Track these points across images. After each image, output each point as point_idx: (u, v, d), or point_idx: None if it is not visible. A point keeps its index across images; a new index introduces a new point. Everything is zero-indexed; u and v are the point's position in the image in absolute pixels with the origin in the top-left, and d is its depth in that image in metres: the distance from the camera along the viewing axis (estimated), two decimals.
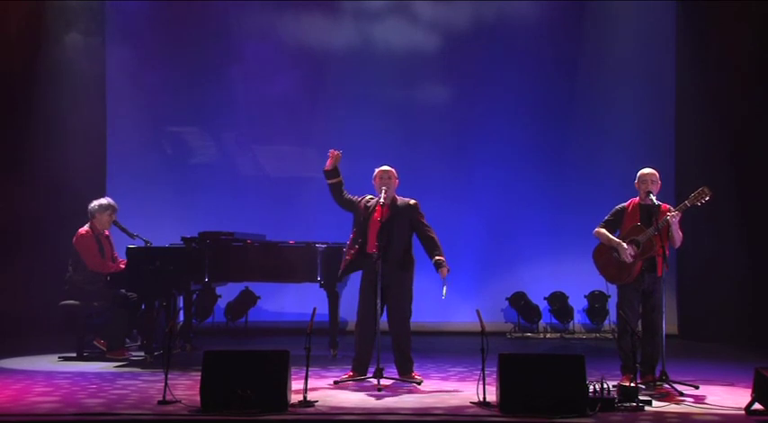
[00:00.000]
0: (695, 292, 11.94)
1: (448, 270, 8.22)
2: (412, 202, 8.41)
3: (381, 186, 8.31)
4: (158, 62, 12.48)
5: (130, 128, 12.50)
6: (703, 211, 8.04)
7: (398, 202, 8.36)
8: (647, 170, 8.23)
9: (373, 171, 8.45)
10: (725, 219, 11.06)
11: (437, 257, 8.25)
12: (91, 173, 12.04)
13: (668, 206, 8.18)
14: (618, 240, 8.12)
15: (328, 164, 8.35)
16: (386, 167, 8.42)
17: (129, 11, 12.42)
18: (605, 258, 8.25)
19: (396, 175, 8.41)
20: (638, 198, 8.24)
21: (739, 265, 11.29)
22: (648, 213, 8.09)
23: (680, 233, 8.03)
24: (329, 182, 8.40)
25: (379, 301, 8.04)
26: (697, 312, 11.94)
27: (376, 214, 8.20)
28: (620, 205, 8.30)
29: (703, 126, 11.80)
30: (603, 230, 8.25)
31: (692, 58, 12.09)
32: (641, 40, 12.50)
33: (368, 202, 8.35)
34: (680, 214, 7.96)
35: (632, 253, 8.02)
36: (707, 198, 7.94)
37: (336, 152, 8.33)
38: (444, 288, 8.14)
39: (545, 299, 12.30)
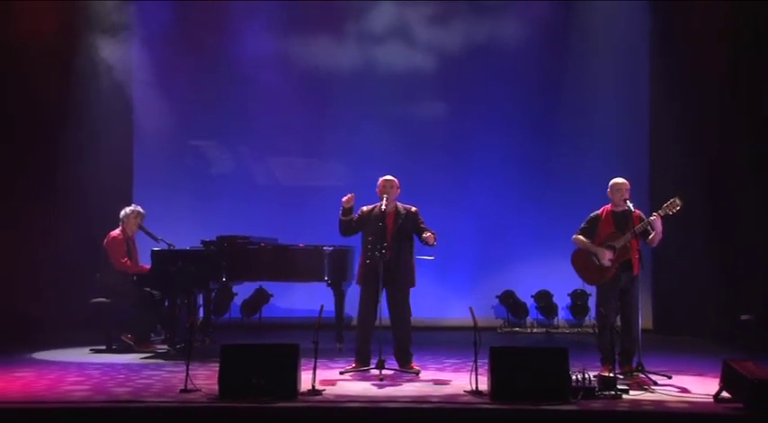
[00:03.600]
0: (669, 290, 11.92)
1: (434, 240, 8.15)
2: (413, 209, 8.44)
3: (383, 194, 8.33)
4: (179, 83, 12.45)
5: (155, 141, 12.49)
6: (677, 217, 8.04)
7: (402, 210, 8.37)
8: (621, 180, 8.21)
9: (376, 179, 8.48)
10: (697, 224, 11.03)
11: (429, 234, 8.20)
12: (119, 182, 12.06)
13: (639, 212, 8.18)
14: (596, 246, 8.13)
15: (347, 201, 8.28)
16: (388, 177, 8.44)
17: (153, 34, 12.38)
18: (583, 262, 8.25)
19: (397, 184, 8.42)
20: (610, 205, 8.22)
21: (709, 266, 11.26)
22: (621, 220, 8.09)
23: (661, 234, 8.02)
24: (344, 219, 8.33)
25: (380, 298, 8.10)
26: (670, 309, 11.93)
27: (389, 222, 8.23)
28: (594, 213, 8.29)
29: (676, 137, 11.76)
30: (581, 237, 8.25)
31: (664, 74, 12.12)
32: (618, 58, 12.47)
33: (371, 211, 8.36)
34: (658, 218, 7.94)
35: (610, 257, 8.05)
36: (678, 208, 7.94)
37: (350, 195, 8.28)
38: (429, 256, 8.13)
39: (532, 297, 12.31)
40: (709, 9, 11.35)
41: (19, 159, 10.97)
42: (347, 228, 8.38)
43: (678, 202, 7.93)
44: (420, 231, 8.30)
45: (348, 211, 8.33)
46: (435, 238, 8.20)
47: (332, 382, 7.70)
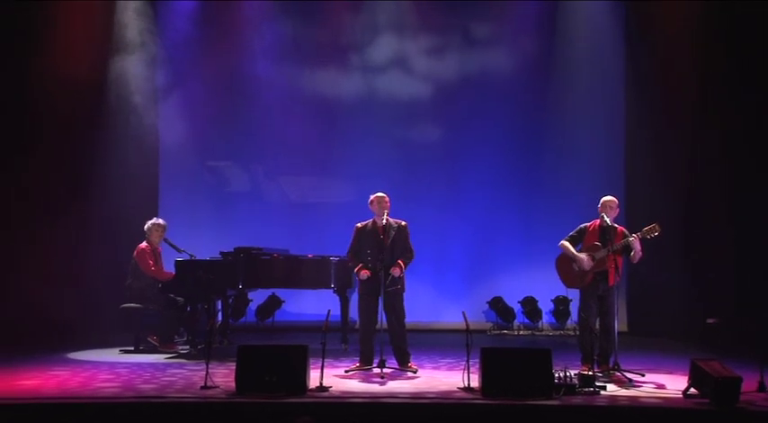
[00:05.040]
0: (643, 296, 11.93)
1: (400, 272, 8.21)
2: (403, 223, 8.45)
3: (383, 210, 8.36)
4: (200, 109, 12.44)
5: (179, 162, 12.54)
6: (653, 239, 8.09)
7: (394, 224, 8.39)
8: (607, 197, 8.28)
9: (372, 193, 8.52)
10: (669, 235, 10.96)
11: (400, 261, 8.25)
12: (146, 199, 12.11)
13: (623, 229, 8.23)
14: (577, 253, 8.19)
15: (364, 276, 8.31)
16: (381, 194, 8.46)
17: (177, 66, 12.45)
18: (565, 267, 8.30)
19: (388, 199, 8.45)
20: (599, 220, 8.28)
21: (678, 275, 11.28)
22: (605, 235, 8.14)
23: (641, 253, 8.07)
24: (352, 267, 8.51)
25: (380, 304, 8.15)
26: (644, 313, 11.95)
27: (384, 237, 8.27)
28: (583, 224, 8.33)
29: (649, 152, 11.86)
30: (567, 244, 8.30)
31: (638, 97, 12.21)
32: (596, 85, 12.51)
33: (365, 226, 8.42)
34: (637, 239, 7.99)
35: (590, 263, 8.09)
36: (656, 234, 7.97)
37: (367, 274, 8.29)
38: (389, 279, 8.17)
39: (519, 302, 12.26)
40: (679, 41, 11.37)
41: (55, 176, 10.94)
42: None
43: (658, 228, 7.96)
44: (405, 246, 8.35)
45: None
46: (402, 270, 8.24)
47: (338, 380, 7.72)
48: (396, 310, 8.31)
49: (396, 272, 8.19)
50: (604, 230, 8.15)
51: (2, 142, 10.19)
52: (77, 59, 11.16)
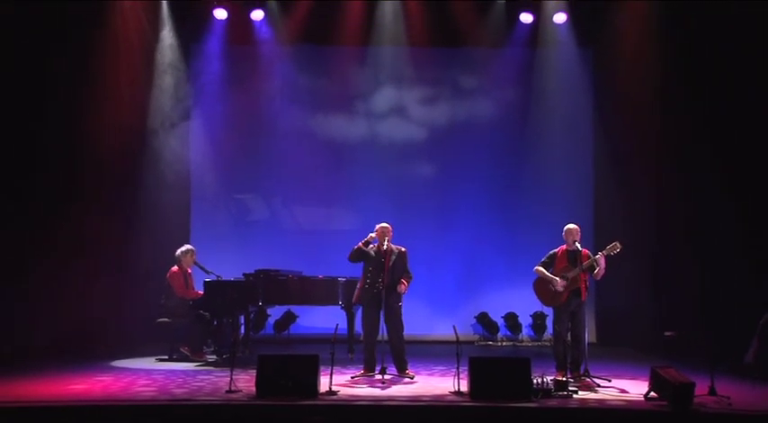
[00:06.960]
0: (610, 311, 11.94)
1: (405, 288, 8.30)
2: (403, 249, 8.52)
3: (384, 237, 8.43)
4: (226, 150, 12.52)
5: (208, 195, 12.56)
6: (617, 255, 8.13)
7: (395, 250, 8.47)
8: (573, 226, 8.36)
9: (378, 223, 8.59)
10: (633, 256, 10.95)
11: (403, 280, 8.32)
12: (179, 228, 12.12)
13: (587, 251, 8.30)
14: (552, 276, 8.24)
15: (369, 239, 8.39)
16: (385, 224, 8.55)
17: (209, 117, 12.58)
18: (542, 289, 8.34)
19: (391, 229, 8.53)
20: (565, 245, 8.34)
21: (643, 292, 11.32)
22: (573, 257, 8.21)
23: (604, 271, 8.13)
24: (363, 248, 8.42)
25: (382, 318, 8.18)
26: (611, 326, 11.95)
27: (386, 260, 8.31)
28: (552, 251, 8.41)
29: (614, 184, 11.99)
30: (542, 269, 8.36)
31: (605, 138, 12.31)
32: (568, 130, 12.60)
33: (372, 249, 8.47)
34: (602, 256, 8.07)
35: (563, 284, 8.14)
36: (618, 250, 8.05)
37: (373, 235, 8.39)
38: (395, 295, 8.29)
39: (502, 317, 12.28)
40: (641, 83, 11.42)
41: (100, 206, 10.92)
42: (358, 256, 8.46)
43: (618, 245, 8.04)
44: (403, 273, 8.41)
45: (367, 244, 8.42)
46: (406, 287, 8.32)
47: (345, 385, 7.75)
48: (395, 324, 8.35)
49: (401, 288, 8.25)
50: (571, 254, 8.23)
51: (55, 185, 10.28)
52: (121, 103, 11.15)
